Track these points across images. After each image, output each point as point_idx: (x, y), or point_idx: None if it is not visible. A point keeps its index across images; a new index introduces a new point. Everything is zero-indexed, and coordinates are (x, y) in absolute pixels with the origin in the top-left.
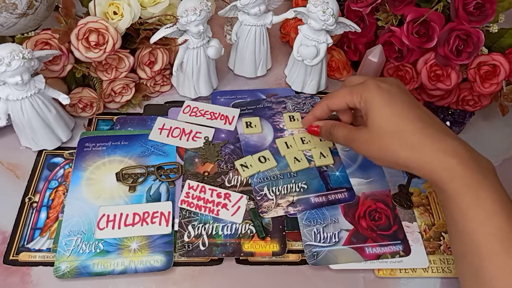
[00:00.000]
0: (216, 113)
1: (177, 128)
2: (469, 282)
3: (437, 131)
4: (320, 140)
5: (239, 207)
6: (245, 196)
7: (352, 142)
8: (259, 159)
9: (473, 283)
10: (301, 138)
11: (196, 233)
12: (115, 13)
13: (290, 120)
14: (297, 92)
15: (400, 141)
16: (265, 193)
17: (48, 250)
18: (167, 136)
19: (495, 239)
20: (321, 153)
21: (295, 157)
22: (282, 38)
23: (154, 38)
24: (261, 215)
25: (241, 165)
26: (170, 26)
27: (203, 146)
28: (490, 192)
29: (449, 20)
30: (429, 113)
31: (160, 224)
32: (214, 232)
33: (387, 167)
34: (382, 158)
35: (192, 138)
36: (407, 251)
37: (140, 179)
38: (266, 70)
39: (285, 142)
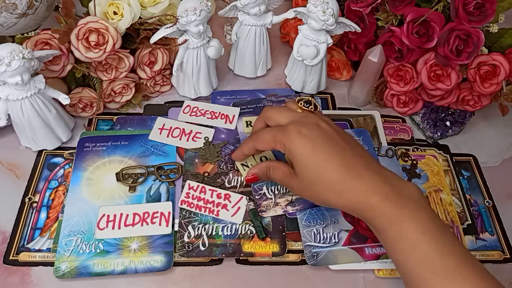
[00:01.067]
0: (216, 113)
1: (177, 128)
2: None
3: (359, 172)
4: None
5: (239, 207)
6: (245, 197)
7: (288, 186)
8: (260, 159)
9: None
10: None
11: (196, 233)
12: (115, 13)
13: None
14: (297, 92)
15: (327, 189)
16: (264, 192)
17: (48, 250)
18: (167, 136)
19: (424, 266)
20: None
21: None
22: (282, 38)
23: (154, 38)
24: (260, 214)
25: (242, 164)
26: (170, 26)
27: (203, 146)
28: (411, 222)
29: (449, 20)
30: (349, 151)
31: (160, 224)
32: (214, 233)
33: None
34: (318, 203)
35: (192, 138)
36: None
37: (140, 179)
38: (266, 70)
39: None
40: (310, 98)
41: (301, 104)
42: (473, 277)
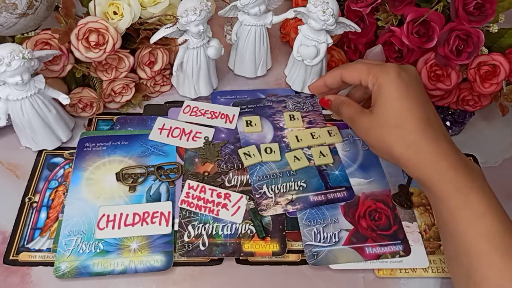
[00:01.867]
0: (216, 112)
1: (177, 128)
2: (461, 283)
3: (435, 133)
4: (329, 135)
5: (239, 207)
6: (245, 196)
7: (354, 124)
8: (265, 149)
9: (464, 284)
10: (311, 133)
11: (196, 233)
12: (115, 13)
13: (291, 119)
14: (297, 92)
15: (398, 137)
16: (264, 191)
17: (48, 250)
18: (167, 136)
19: (484, 240)
20: (320, 152)
21: (294, 156)
22: (282, 38)
23: (154, 38)
24: (260, 213)
25: (244, 153)
26: (170, 26)
27: (203, 146)
28: (479, 194)
29: (449, 20)
30: (434, 113)
31: (160, 224)
32: (214, 232)
33: (381, 157)
34: (378, 148)
35: (192, 138)
36: (407, 251)
37: (140, 179)
38: (266, 70)
39: (296, 136)
40: None
41: None
42: None
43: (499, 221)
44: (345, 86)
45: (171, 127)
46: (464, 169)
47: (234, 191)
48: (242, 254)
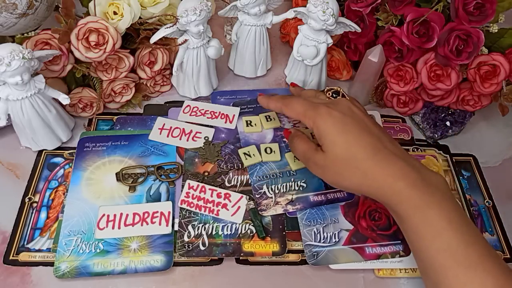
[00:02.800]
0: (216, 112)
1: (177, 128)
2: None
3: (387, 156)
4: None
5: (239, 207)
6: (245, 196)
7: (309, 161)
8: (265, 149)
9: None
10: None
11: (196, 233)
12: (115, 13)
13: (267, 120)
14: None
15: (353, 167)
16: (264, 191)
17: (48, 250)
18: (167, 136)
19: (446, 255)
20: None
21: (295, 156)
22: (282, 38)
23: (154, 38)
24: (260, 213)
25: (244, 153)
26: (170, 26)
27: (203, 146)
28: (437, 210)
29: (449, 20)
30: (380, 136)
31: (160, 224)
32: (214, 232)
33: (344, 190)
34: (337, 183)
35: (192, 138)
36: (407, 251)
37: (140, 179)
38: (266, 70)
39: None
40: (338, 88)
41: (329, 94)
42: (494, 270)
43: (461, 234)
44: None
45: (171, 127)
46: (422, 185)
47: (234, 191)
48: (242, 254)
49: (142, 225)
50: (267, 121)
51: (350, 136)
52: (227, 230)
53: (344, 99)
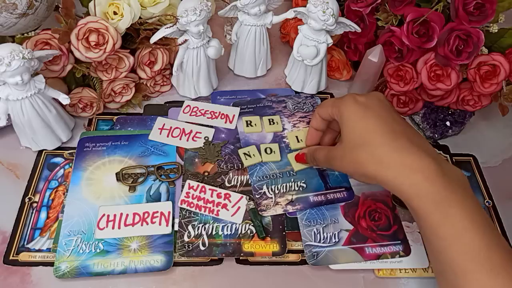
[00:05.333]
0: (216, 112)
1: (177, 128)
2: None
3: (407, 145)
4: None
5: (239, 207)
6: (245, 196)
7: (330, 160)
8: (265, 150)
9: None
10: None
11: (196, 233)
12: (115, 13)
13: (270, 124)
14: (297, 92)
15: (368, 154)
16: (264, 192)
17: (48, 250)
18: (167, 136)
19: (467, 257)
20: None
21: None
22: (282, 38)
23: (154, 38)
24: (260, 213)
25: (244, 153)
26: (170, 26)
27: (203, 146)
28: (459, 209)
29: (449, 20)
30: (404, 126)
31: (160, 224)
32: (214, 232)
33: (361, 181)
34: (354, 172)
35: (192, 138)
36: (407, 251)
37: (140, 179)
38: (266, 70)
39: (296, 136)
40: None
41: None
42: None
43: (483, 236)
44: (327, 123)
45: (171, 127)
46: (443, 180)
47: (234, 191)
48: (242, 254)
49: (142, 225)
50: (270, 124)
51: (370, 122)
52: (227, 230)
53: (378, 92)
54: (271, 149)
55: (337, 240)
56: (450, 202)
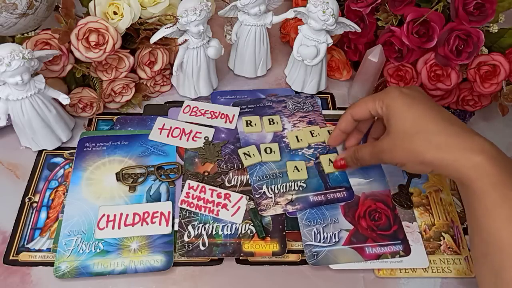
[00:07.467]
0: (216, 112)
1: (177, 128)
2: (489, 281)
3: (461, 130)
4: (329, 134)
5: (239, 207)
6: (245, 196)
7: (379, 154)
8: (265, 149)
9: (492, 282)
10: (310, 131)
11: (196, 233)
12: (115, 13)
13: (270, 124)
14: (297, 92)
15: (424, 141)
16: (264, 191)
17: (48, 250)
18: (167, 136)
19: None
20: (329, 159)
21: (295, 166)
22: (282, 38)
23: (154, 38)
24: (260, 213)
25: (244, 153)
26: (170, 26)
27: (203, 146)
28: None
29: (449, 20)
30: (450, 115)
31: (160, 224)
32: (214, 232)
33: (413, 171)
34: (409, 160)
35: (192, 138)
36: (407, 251)
37: (140, 179)
38: (266, 70)
39: (296, 136)
40: None
41: None
42: None
43: None
44: (355, 125)
45: (171, 127)
46: (503, 163)
47: (234, 191)
48: (242, 254)
49: (142, 225)
50: (270, 124)
51: (419, 109)
52: (227, 230)
53: (414, 85)
54: (271, 149)
55: (337, 240)
56: (509, 185)
